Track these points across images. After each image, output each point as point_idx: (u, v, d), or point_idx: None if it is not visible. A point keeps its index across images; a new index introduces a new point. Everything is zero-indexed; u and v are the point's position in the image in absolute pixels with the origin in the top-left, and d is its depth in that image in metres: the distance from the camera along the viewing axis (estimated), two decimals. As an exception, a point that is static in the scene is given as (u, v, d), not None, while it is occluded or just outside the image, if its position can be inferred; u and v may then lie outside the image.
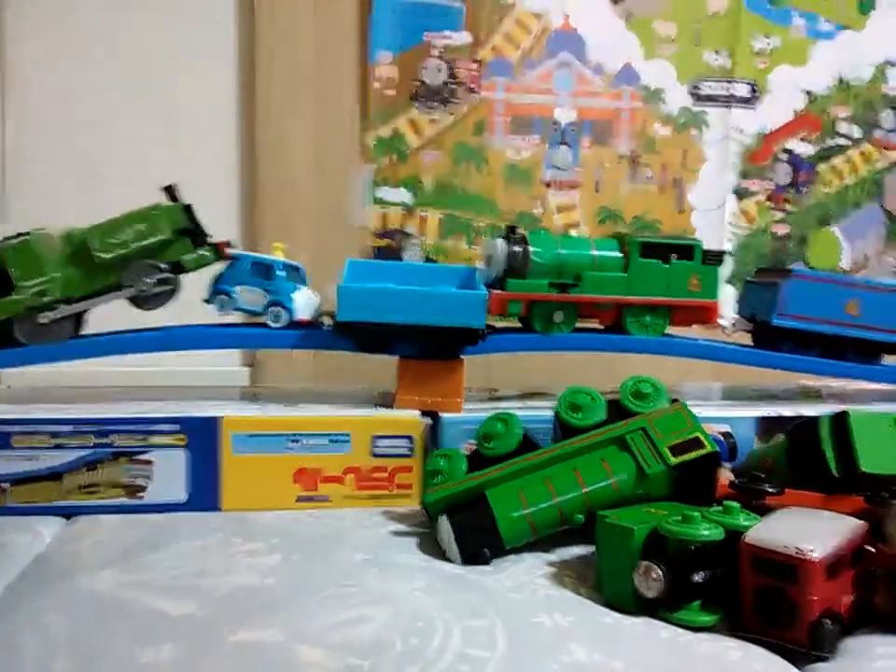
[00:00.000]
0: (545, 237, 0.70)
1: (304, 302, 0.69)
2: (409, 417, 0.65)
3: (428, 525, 0.57)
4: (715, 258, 0.70)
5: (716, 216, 1.20)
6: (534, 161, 1.15)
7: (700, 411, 0.66)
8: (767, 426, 0.68)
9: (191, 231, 0.67)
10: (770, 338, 0.72)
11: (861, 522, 0.45)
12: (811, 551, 0.41)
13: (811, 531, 0.43)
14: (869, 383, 0.75)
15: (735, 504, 0.47)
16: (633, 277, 0.69)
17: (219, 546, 0.54)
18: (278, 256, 0.70)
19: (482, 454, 0.57)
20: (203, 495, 0.63)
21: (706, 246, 0.70)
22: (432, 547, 0.54)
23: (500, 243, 0.69)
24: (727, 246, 1.20)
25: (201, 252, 0.67)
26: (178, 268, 0.67)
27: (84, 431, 0.62)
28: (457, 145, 1.13)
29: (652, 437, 0.55)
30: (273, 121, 1.07)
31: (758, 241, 1.22)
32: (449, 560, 0.53)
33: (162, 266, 0.66)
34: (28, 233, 0.64)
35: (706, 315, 0.70)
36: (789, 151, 1.23)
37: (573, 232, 0.69)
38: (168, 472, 0.63)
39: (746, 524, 0.45)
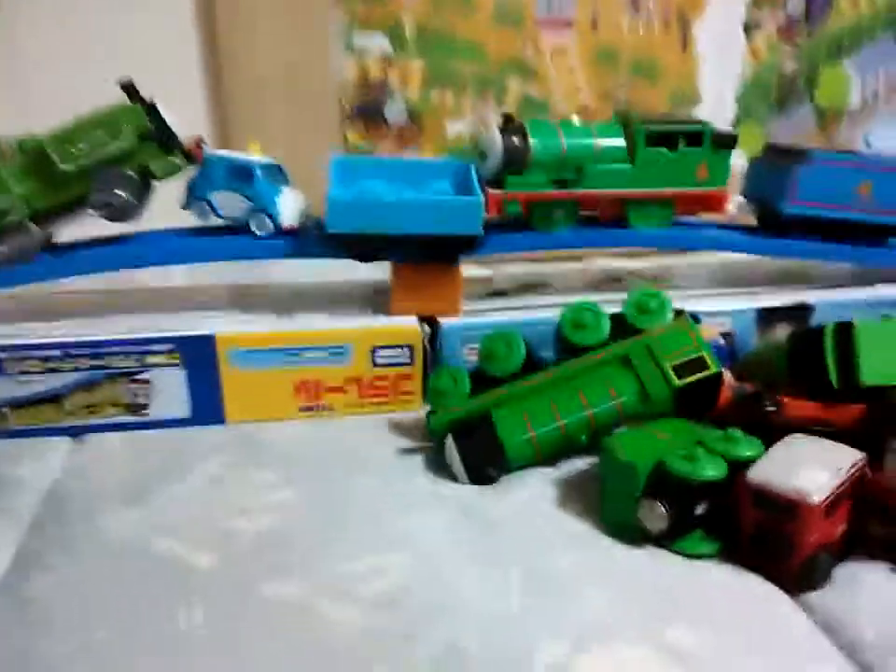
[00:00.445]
0: (544, 126, 0.65)
1: (289, 208, 0.64)
2: (408, 327, 0.64)
3: (434, 442, 0.58)
4: (726, 141, 0.65)
5: (722, 53, 1.12)
6: (525, -3, 1.04)
7: (699, 304, 0.66)
8: (767, 316, 0.68)
9: (158, 134, 0.61)
10: (778, 222, 0.69)
11: (861, 454, 0.46)
12: (811, 493, 0.42)
13: (812, 468, 0.44)
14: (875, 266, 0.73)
15: (737, 433, 0.48)
16: (638, 169, 0.64)
17: (231, 477, 0.55)
18: (255, 155, 0.65)
19: (484, 373, 0.57)
20: (206, 409, 0.63)
21: (716, 129, 0.65)
22: (439, 467, 0.56)
23: (496, 135, 0.64)
24: (733, 86, 1.13)
25: (171, 159, 0.61)
26: (148, 175, 0.62)
27: (77, 355, 0.61)
28: (439, -20, 1.01)
29: (656, 356, 0.54)
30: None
31: (765, 79, 1.14)
32: (457, 480, 0.54)
33: (131, 175, 0.61)
34: None
35: (714, 203, 0.67)
36: (804, -24, 1.12)
37: (574, 118, 0.63)
38: (168, 390, 0.63)
39: (748, 454, 0.46)
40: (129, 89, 0.61)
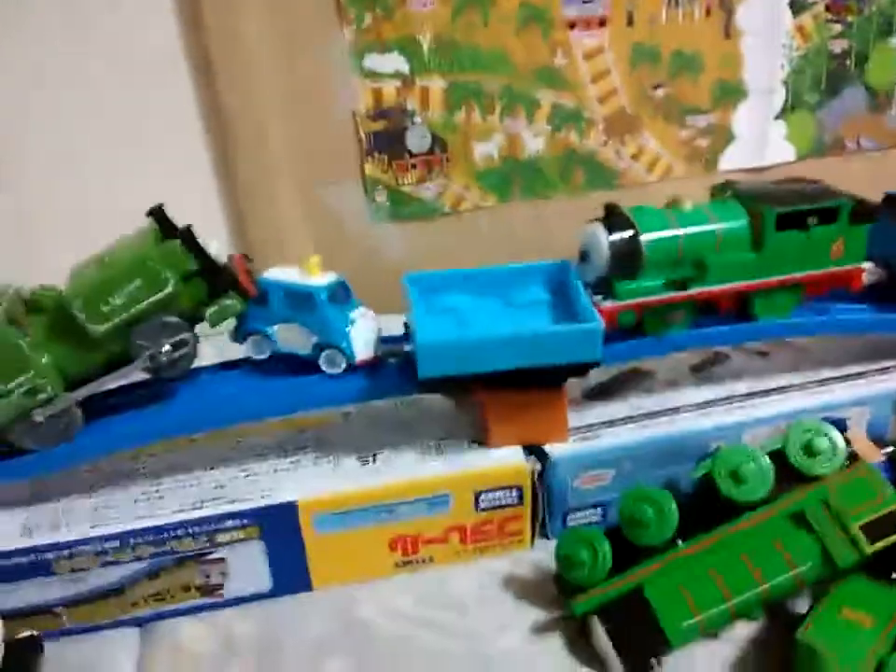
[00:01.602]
0: (654, 216, 0.55)
1: (363, 338, 0.54)
2: (515, 466, 0.55)
3: (564, 607, 0.50)
4: (866, 215, 0.56)
5: (768, 38, 1.01)
6: (553, -5, 0.91)
7: (830, 393, 0.60)
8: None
9: (204, 273, 0.50)
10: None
11: None
12: None
13: None
14: None
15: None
16: (766, 256, 0.55)
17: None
18: (315, 273, 0.54)
19: (626, 536, 0.49)
20: (289, 580, 0.55)
21: (854, 202, 0.56)
22: (582, 652, 0.48)
23: (601, 233, 0.54)
24: (780, 73, 1.02)
25: (223, 302, 0.51)
26: (194, 318, 0.52)
27: (136, 544, 0.52)
28: (457, -16, 0.88)
29: (838, 512, 0.47)
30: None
31: (814, 61, 1.04)
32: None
33: (177, 322, 0.50)
34: None
35: (850, 280, 0.58)
36: (853, -55, 1.00)
37: (687, 202, 0.52)
38: (245, 565, 0.54)
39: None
40: (160, 216, 0.50)
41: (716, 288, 0.55)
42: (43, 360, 0.49)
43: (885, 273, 0.63)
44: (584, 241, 0.55)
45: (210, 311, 0.50)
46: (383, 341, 0.56)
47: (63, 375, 0.50)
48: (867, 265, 0.61)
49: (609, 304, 0.54)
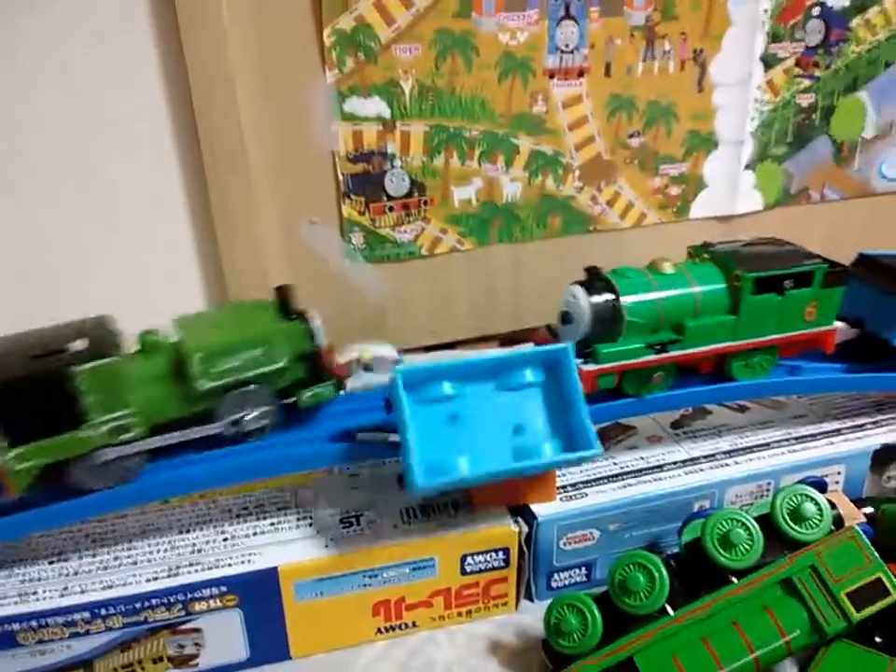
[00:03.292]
0: (635, 279, 0.55)
1: None
2: (502, 530, 0.54)
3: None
4: (839, 279, 0.57)
5: (739, 91, 1.03)
6: (533, 45, 0.93)
7: (803, 452, 0.60)
8: (882, 456, 0.61)
9: (312, 359, 0.52)
10: (886, 351, 0.62)
11: None
12: None
13: None
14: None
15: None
16: (744, 319, 0.56)
17: None
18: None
19: (617, 604, 0.48)
20: (267, 648, 0.53)
21: (828, 266, 0.57)
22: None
23: (582, 296, 0.54)
24: (750, 125, 1.05)
25: (320, 390, 0.52)
26: (284, 394, 0.52)
27: (107, 615, 0.49)
28: (439, 33, 0.89)
29: (825, 579, 0.47)
30: (202, 29, 0.80)
31: (781, 115, 1.07)
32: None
33: (269, 396, 0.51)
34: (113, 354, 0.47)
35: (822, 342, 0.59)
36: (821, 4, 1.04)
37: (666, 265, 0.52)
38: (221, 634, 0.52)
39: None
40: (285, 294, 0.52)
41: (695, 351, 0.55)
42: (141, 401, 0.48)
43: (855, 332, 0.64)
44: (566, 303, 0.55)
45: (307, 394, 0.51)
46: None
47: (150, 421, 0.49)
48: (838, 324, 0.62)
49: (589, 367, 0.54)
